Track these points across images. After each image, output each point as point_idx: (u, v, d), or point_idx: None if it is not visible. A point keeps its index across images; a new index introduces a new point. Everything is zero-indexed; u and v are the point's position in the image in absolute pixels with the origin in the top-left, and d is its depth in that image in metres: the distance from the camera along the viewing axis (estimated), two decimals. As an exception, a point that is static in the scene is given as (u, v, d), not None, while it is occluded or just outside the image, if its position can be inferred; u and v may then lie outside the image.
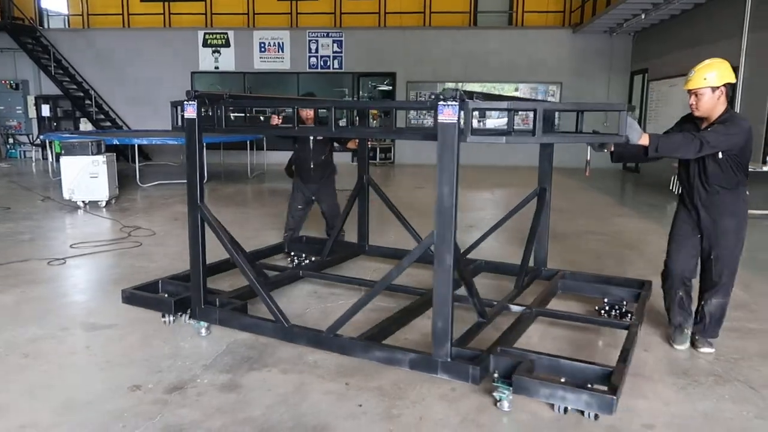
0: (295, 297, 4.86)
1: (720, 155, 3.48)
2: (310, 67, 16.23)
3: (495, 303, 4.17)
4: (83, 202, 8.80)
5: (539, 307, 4.11)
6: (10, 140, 16.67)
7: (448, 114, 3.06)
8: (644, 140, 3.38)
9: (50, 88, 16.10)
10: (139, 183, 11.20)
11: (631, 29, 14.23)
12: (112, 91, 16.49)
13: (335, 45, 16.10)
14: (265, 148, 13.82)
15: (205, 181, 11.94)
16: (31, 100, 16.36)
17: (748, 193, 3.67)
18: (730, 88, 3.55)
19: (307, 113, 5.67)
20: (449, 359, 3.22)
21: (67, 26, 17.74)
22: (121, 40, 16.48)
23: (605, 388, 2.89)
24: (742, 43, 9.36)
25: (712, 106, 3.50)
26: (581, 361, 3.21)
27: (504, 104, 3.73)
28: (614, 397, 2.77)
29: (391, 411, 3.04)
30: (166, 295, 4.35)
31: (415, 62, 15.77)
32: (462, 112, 3.04)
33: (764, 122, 8.81)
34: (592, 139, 3.65)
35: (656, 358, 3.72)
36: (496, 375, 3.12)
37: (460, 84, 16.01)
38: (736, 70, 9.42)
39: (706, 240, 3.70)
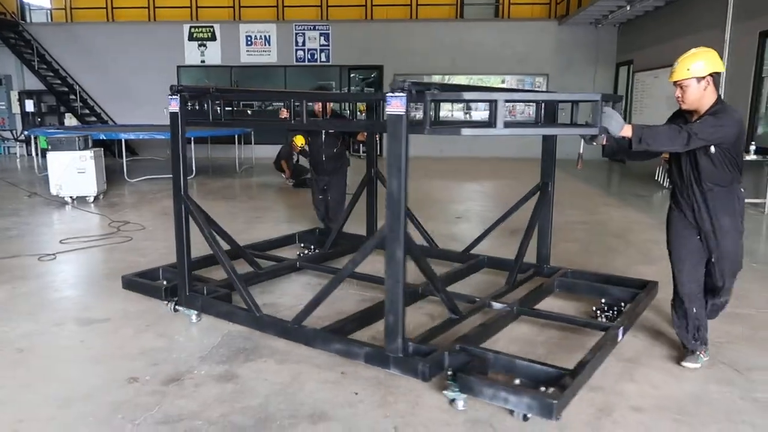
0: (290, 288, 4.89)
1: (712, 149, 3.25)
2: (297, 61, 16.18)
3: (477, 299, 4.15)
4: (71, 197, 8.74)
5: (525, 305, 4.04)
6: (-6, 136, 16.48)
7: (396, 105, 3.02)
8: (626, 132, 3.18)
9: (34, 83, 15.91)
10: (126, 178, 11.14)
11: (616, 21, 14.34)
12: (96, 86, 16.33)
13: (322, 38, 16.06)
14: (253, 142, 13.78)
15: (192, 176, 11.95)
16: (14, 95, 16.14)
17: (743, 190, 3.45)
18: (719, 78, 3.35)
19: (318, 106, 5.71)
20: (400, 354, 3.20)
21: (49, 20, 17.51)
22: (105, 34, 16.31)
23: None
24: (725, 34, 9.48)
25: (699, 97, 3.28)
26: (537, 362, 3.16)
27: (463, 95, 3.69)
28: (555, 402, 2.68)
29: (386, 398, 3.09)
30: (165, 282, 4.45)
31: (402, 55, 15.77)
32: (422, 105, 3.02)
33: (747, 111, 8.96)
34: (565, 132, 3.58)
35: (644, 345, 3.81)
36: (450, 373, 3.05)
37: (447, 76, 16.07)
38: (719, 60, 9.62)
39: (704, 239, 3.46)
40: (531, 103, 14.10)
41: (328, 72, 16.30)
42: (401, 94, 3.00)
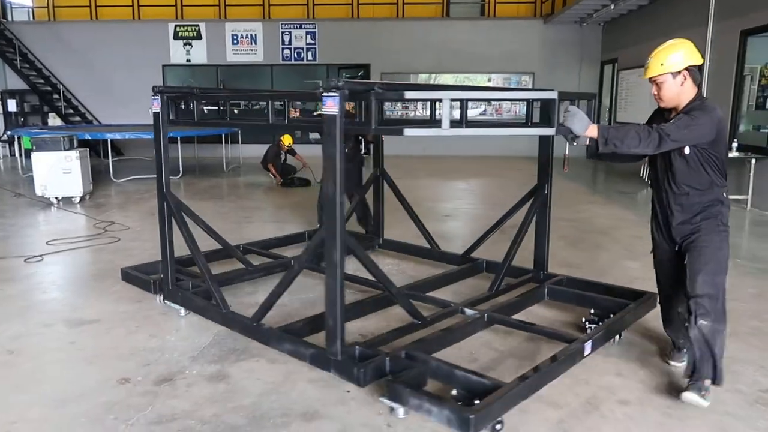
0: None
1: (686, 150, 3.01)
2: (283, 59, 16.14)
3: (452, 304, 4.07)
4: (56, 198, 8.67)
5: (504, 312, 3.92)
6: (-24, 137, 16.26)
7: (330, 105, 2.98)
8: (591, 132, 2.95)
9: (16, 83, 15.72)
10: (112, 178, 11.06)
11: (601, 19, 14.46)
12: (81, 86, 16.17)
13: (308, 37, 16.04)
14: (240, 141, 13.74)
15: (179, 176, 11.90)
16: (-4, 95, 15.97)
17: (726, 195, 3.13)
18: (698, 71, 3.06)
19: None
20: (339, 358, 3.18)
21: (32, 19, 17.32)
22: (89, 33, 16.15)
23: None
24: (707, 32, 9.62)
25: (676, 94, 3.04)
26: (475, 373, 3.00)
27: (410, 94, 3.55)
28: (471, 416, 2.56)
29: (378, 397, 3.11)
30: (160, 276, 4.52)
31: (389, 53, 15.79)
32: (372, 103, 2.97)
33: (729, 109, 9.09)
34: (518, 132, 3.43)
35: (630, 343, 3.87)
36: (390, 378, 3.00)
37: (433, 75, 16.13)
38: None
39: (680, 246, 3.21)
40: (518, 102, 14.23)
41: (315, 71, 16.29)
42: (335, 93, 2.95)
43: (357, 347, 3.33)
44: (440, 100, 2.93)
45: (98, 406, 3.00)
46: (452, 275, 4.93)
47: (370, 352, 3.28)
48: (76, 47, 16.05)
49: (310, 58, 16.14)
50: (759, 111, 9.09)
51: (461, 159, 14.32)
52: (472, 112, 14.67)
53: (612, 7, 12.54)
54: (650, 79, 3.10)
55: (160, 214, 4.31)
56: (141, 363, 3.48)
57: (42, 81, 15.72)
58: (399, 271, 5.41)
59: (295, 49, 16.09)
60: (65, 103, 15.86)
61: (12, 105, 15.91)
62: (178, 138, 11.28)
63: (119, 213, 8.14)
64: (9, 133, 13.25)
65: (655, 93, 3.11)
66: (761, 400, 3.11)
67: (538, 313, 4.27)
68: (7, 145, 15.39)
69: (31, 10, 17.34)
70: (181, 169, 11.65)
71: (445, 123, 2.89)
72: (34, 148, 8.75)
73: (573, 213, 7.96)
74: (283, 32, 16.05)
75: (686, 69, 3.01)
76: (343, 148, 3.06)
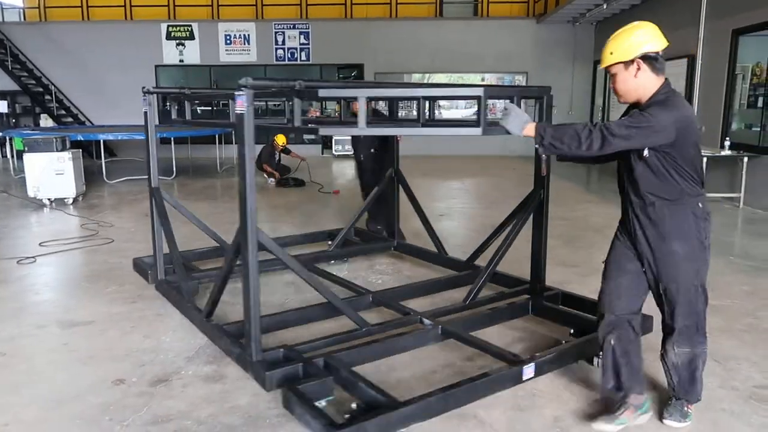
0: (273, 285, 4.86)
1: (645, 153, 2.56)
2: (277, 60, 16.11)
3: (410, 313, 3.91)
4: (49, 199, 8.62)
5: (465, 325, 3.72)
6: (-33, 138, 16.14)
7: (240, 104, 2.99)
8: (529, 131, 2.62)
9: (7, 84, 15.60)
10: (105, 179, 11.01)
11: (594, 19, 14.51)
12: (72, 87, 16.09)
13: (302, 37, 16.01)
14: (234, 142, 13.68)
15: (173, 177, 11.83)
16: (-13, 96, 15.85)
17: (701, 205, 2.64)
18: (660, 59, 2.58)
19: (355, 105, 5.61)
20: (254, 359, 3.18)
21: (23, 20, 17.21)
22: (81, 34, 16.07)
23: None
24: (699, 32, 9.67)
25: (633, 87, 2.60)
26: (375, 387, 2.85)
27: (323, 92, 3.39)
28: None
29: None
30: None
31: (382, 53, 15.80)
32: (295, 102, 2.98)
33: (721, 108, 9.15)
34: (442, 132, 3.32)
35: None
36: (291, 386, 2.92)
37: (426, 74, 16.14)
38: (693, 57, 9.83)
39: (648, 268, 2.75)
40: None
41: (309, 71, 16.27)
42: (242, 92, 2.95)
43: (282, 350, 3.29)
44: (355, 98, 2.90)
45: (93, 407, 2.98)
46: (449, 281, 4.77)
47: (293, 355, 3.22)
48: (68, 48, 15.97)
49: (303, 58, 16.12)
50: (751, 109, 9.15)
51: (456, 158, 14.34)
52: (464, 112, 14.72)
53: (605, 6, 12.58)
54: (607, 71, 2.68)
55: (150, 208, 4.72)
56: (136, 364, 3.47)
57: (34, 82, 15.63)
58: (395, 270, 5.41)
59: (288, 49, 16.07)
60: (57, 104, 15.78)
61: (3, 106, 15.75)
62: (171, 138, 11.24)
63: (113, 214, 8.10)
64: (0, 134, 13.16)
65: (612, 87, 2.71)
66: (755, 396, 3.13)
67: (527, 327, 3.98)
68: (-1, 147, 15.29)
69: (22, 10, 17.24)
70: (174, 169, 11.61)
71: (362, 121, 2.86)
72: (26, 149, 8.69)
73: (568, 212, 7.98)
74: (276, 32, 16.02)
75: (641, 57, 2.54)
76: (253, 145, 3.06)
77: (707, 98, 9.51)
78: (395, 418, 2.65)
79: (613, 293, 2.83)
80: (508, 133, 2.69)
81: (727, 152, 8.48)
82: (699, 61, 9.68)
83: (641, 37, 2.56)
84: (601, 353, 2.93)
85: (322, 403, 2.83)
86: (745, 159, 8.32)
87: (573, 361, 3.39)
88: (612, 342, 2.79)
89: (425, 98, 3.72)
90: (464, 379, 3.00)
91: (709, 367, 3.39)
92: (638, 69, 2.56)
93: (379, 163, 6.13)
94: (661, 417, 2.85)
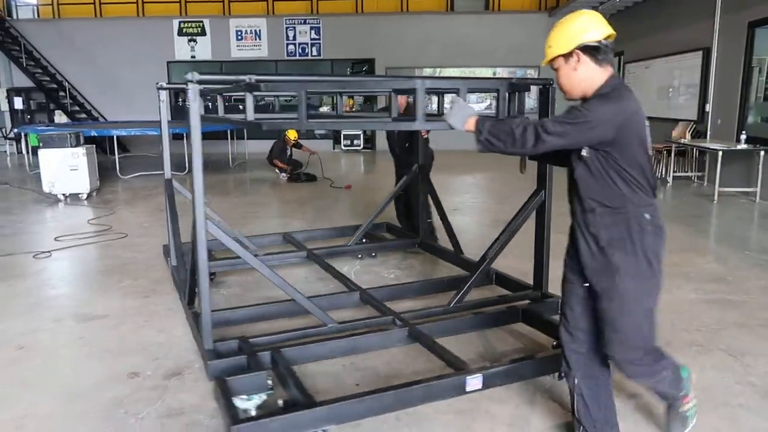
0: (287, 278, 4.84)
1: (584, 152, 2.29)
2: (288, 55, 16.14)
3: (387, 312, 3.79)
4: (64, 195, 8.71)
5: (431, 329, 3.56)
6: (-17, 134, 16.33)
7: (190, 98, 3.00)
8: (469, 126, 2.46)
9: (22, 80, 15.78)
10: (119, 175, 11.09)
11: (607, 12, 14.33)
12: (86, 83, 16.23)
13: (313, 32, 16.02)
14: (246, 137, 13.74)
15: (185, 172, 11.87)
16: (2, 93, 16.00)
17: (649, 217, 2.29)
18: (606, 48, 2.30)
19: (402, 101, 5.50)
20: (204, 349, 3.21)
21: (36, 17, 17.37)
22: (93, 30, 16.19)
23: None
24: (714, 24, 9.55)
25: (576, 81, 2.33)
26: (302, 390, 2.75)
27: (260, 87, 3.24)
28: (235, 426, 2.43)
29: (387, 389, 3.10)
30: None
31: (393, 48, 15.77)
32: (249, 96, 2.97)
33: (737, 101, 9.04)
34: (380, 126, 3.28)
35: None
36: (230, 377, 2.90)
37: (437, 69, 16.09)
38: (709, 50, 9.70)
39: (590, 284, 2.42)
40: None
41: (320, 66, 16.28)
42: (190, 87, 2.96)
43: (236, 342, 3.30)
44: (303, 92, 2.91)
45: (108, 400, 3.01)
46: (452, 282, 4.55)
47: (245, 347, 3.22)
48: (81, 44, 16.09)
49: (314, 53, 16.13)
50: (767, 102, 9.02)
51: (468, 154, 14.25)
52: (479, 106, 14.64)
53: (618, -1, 12.46)
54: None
55: (165, 199, 4.90)
56: (150, 357, 3.49)
57: (48, 78, 15.78)
58: (407, 266, 5.40)
59: (299, 44, 16.09)
60: (71, 101, 15.92)
61: (18, 102, 15.97)
62: (184, 135, 11.28)
63: (127, 209, 8.16)
64: (16, 130, 13.31)
65: (558, 83, 2.48)
66: (773, 392, 3.09)
67: (522, 332, 3.81)
68: (14, 143, 15.45)
69: (35, 7, 17.40)
70: (187, 165, 11.66)
71: (303, 116, 2.90)
72: (41, 145, 8.78)
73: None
74: (287, 28, 16.04)
75: (581, 48, 2.29)
76: (200, 138, 3.11)
77: (723, 91, 9.39)
78: (303, 418, 2.55)
79: (565, 320, 2.57)
80: (451, 128, 2.56)
81: (743, 146, 8.36)
82: (714, 54, 9.55)
83: (579, 25, 2.30)
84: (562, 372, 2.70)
85: (262, 397, 2.79)
86: (762, 153, 8.19)
87: (531, 376, 3.12)
88: (575, 380, 2.52)
89: (347, 93, 3.79)
90: (394, 385, 2.82)
91: (725, 363, 3.38)
92: (578, 61, 2.30)
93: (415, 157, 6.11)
94: None
